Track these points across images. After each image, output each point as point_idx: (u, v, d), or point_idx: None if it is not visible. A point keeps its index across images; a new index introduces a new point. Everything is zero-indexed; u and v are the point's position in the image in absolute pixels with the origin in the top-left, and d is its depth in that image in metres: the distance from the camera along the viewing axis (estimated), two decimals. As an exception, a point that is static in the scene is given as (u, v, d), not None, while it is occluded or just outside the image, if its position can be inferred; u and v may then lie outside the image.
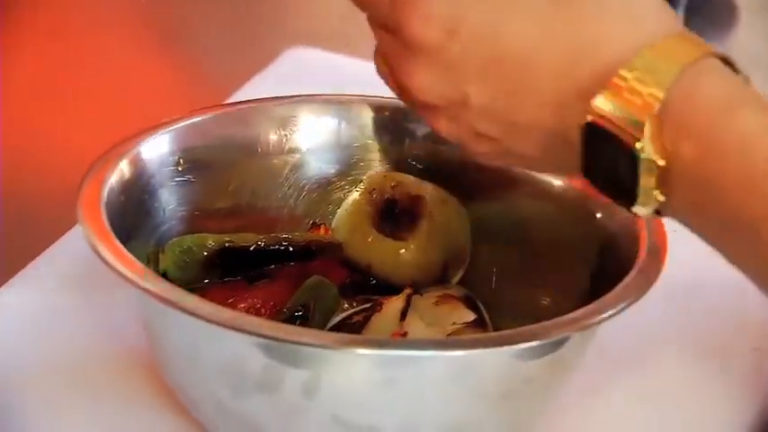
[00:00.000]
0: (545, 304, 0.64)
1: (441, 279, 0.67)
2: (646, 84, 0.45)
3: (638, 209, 0.47)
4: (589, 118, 0.46)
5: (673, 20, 0.48)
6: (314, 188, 0.69)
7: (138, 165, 0.63)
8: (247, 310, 0.64)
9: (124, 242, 0.54)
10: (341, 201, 0.69)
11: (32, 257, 0.75)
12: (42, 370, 0.65)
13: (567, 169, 0.51)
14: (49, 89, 1.02)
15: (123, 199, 0.60)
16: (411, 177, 0.67)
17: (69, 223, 0.72)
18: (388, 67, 0.53)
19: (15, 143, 0.94)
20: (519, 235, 0.66)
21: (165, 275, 0.62)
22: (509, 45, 0.48)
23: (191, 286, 0.61)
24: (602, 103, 0.46)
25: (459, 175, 0.67)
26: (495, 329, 0.64)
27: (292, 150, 0.68)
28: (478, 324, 0.64)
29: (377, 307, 0.63)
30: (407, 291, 0.63)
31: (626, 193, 0.47)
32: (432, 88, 0.50)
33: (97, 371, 0.64)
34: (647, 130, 0.44)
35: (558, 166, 0.53)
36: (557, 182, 0.65)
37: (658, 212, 0.47)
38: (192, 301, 0.50)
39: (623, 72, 0.45)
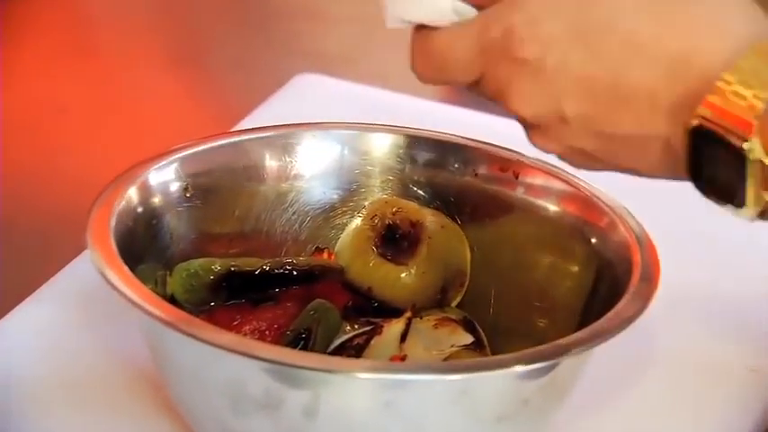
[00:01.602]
0: (541, 326, 0.65)
1: (440, 302, 0.68)
2: (750, 85, 0.45)
3: (745, 211, 0.47)
4: (695, 122, 0.47)
5: (765, 20, 0.49)
6: (317, 214, 0.70)
7: (146, 191, 0.64)
8: (252, 332, 0.65)
9: (133, 266, 0.56)
10: (344, 226, 0.70)
11: (46, 279, 0.77)
12: (53, 388, 0.67)
13: (670, 174, 0.52)
14: (64, 110, 1.03)
15: (132, 224, 0.62)
16: (412, 203, 0.68)
17: (82, 245, 0.73)
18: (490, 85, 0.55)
19: (31, 165, 0.95)
20: (516, 259, 0.67)
21: (172, 298, 0.64)
22: (604, 58, 0.50)
23: (197, 308, 0.63)
24: (708, 107, 0.46)
25: (459, 201, 0.69)
26: (493, 352, 0.65)
27: (297, 177, 0.70)
28: (476, 346, 0.64)
29: (377, 330, 0.64)
30: (407, 314, 0.64)
31: (733, 196, 0.47)
32: (530, 103, 0.52)
33: (105, 389, 0.66)
34: (755, 130, 0.45)
35: (662, 171, 0.53)
36: (553, 207, 0.66)
37: (764, 214, 0.47)
38: (196, 324, 0.52)
39: (727, 75, 0.46)
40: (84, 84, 1.06)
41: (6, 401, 0.66)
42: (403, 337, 0.63)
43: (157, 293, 0.59)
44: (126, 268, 0.55)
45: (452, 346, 0.65)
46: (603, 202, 0.63)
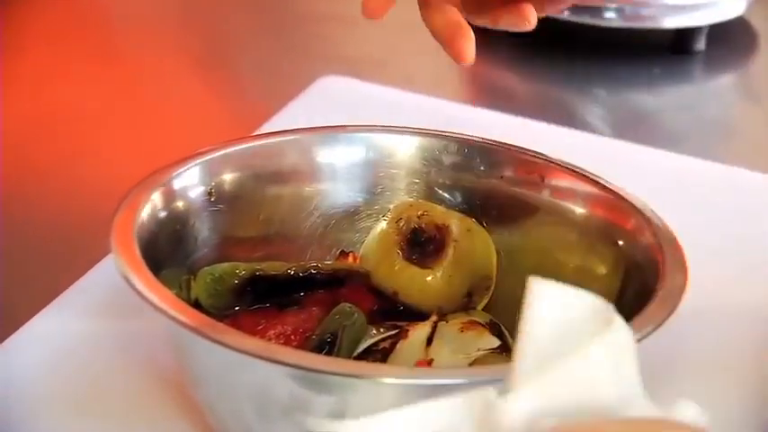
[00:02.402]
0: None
1: (465, 306, 0.68)
2: None
3: None
4: None
5: None
6: (342, 217, 0.70)
7: (170, 195, 0.64)
8: (277, 337, 0.65)
9: (157, 270, 0.56)
10: (368, 229, 0.70)
11: (67, 285, 0.77)
12: (76, 395, 0.66)
13: None
14: (84, 114, 1.03)
15: (155, 229, 0.62)
16: (438, 207, 0.68)
17: (105, 251, 0.73)
18: None
19: (52, 170, 0.95)
20: (542, 262, 0.67)
21: (196, 302, 0.64)
22: None
23: (222, 313, 0.64)
24: None
25: (485, 204, 0.68)
26: None
27: (321, 180, 0.70)
28: (503, 350, 0.64)
29: (403, 334, 0.64)
30: (433, 318, 0.64)
31: None
32: None
33: (129, 394, 0.65)
34: None
35: None
36: (579, 210, 0.65)
37: None
38: (221, 330, 0.51)
39: None
40: (106, 88, 1.06)
41: (25, 408, 0.66)
42: (429, 341, 0.63)
43: (182, 298, 0.59)
44: (150, 274, 0.54)
45: (479, 349, 0.64)
46: (631, 204, 0.63)
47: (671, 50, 1.06)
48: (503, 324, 0.66)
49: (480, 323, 0.66)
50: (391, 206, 0.70)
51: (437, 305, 0.66)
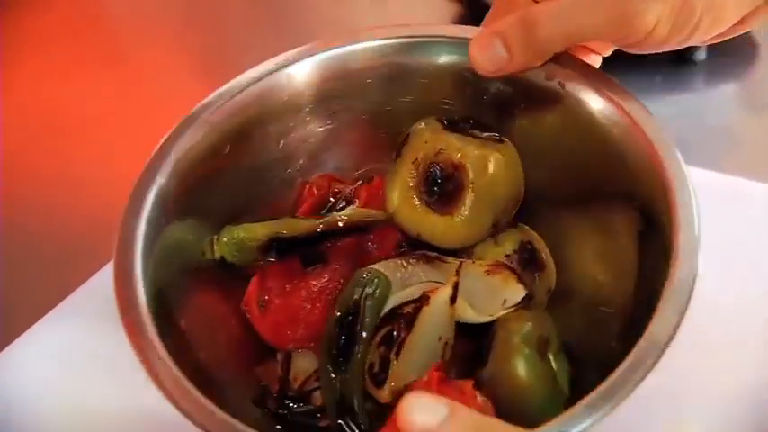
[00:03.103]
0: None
1: (493, 233, 0.67)
2: None
3: None
4: None
5: None
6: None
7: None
8: (303, 302, 0.65)
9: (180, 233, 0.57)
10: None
11: (73, 288, 0.76)
12: (76, 401, 0.67)
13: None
14: (88, 117, 1.03)
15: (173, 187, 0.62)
16: (453, 138, 0.65)
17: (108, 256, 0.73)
18: None
19: (54, 173, 0.94)
20: (565, 162, 0.65)
21: (222, 259, 0.64)
22: None
23: (249, 267, 0.65)
24: None
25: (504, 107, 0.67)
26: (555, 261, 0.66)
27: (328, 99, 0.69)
28: (527, 301, 0.63)
29: (425, 300, 0.62)
30: (454, 278, 0.62)
31: None
32: None
33: (128, 401, 0.65)
34: None
35: None
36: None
37: None
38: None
39: None
40: (107, 89, 1.06)
41: (26, 413, 0.66)
42: (453, 300, 0.62)
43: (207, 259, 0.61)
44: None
45: (504, 302, 0.63)
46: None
47: (672, 59, 1.07)
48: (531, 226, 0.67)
49: (506, 266, 0.65)
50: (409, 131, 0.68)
51: (461, 244, 0.65)
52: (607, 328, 0.60)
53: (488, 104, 0.67)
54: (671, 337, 0.51)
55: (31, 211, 0.91)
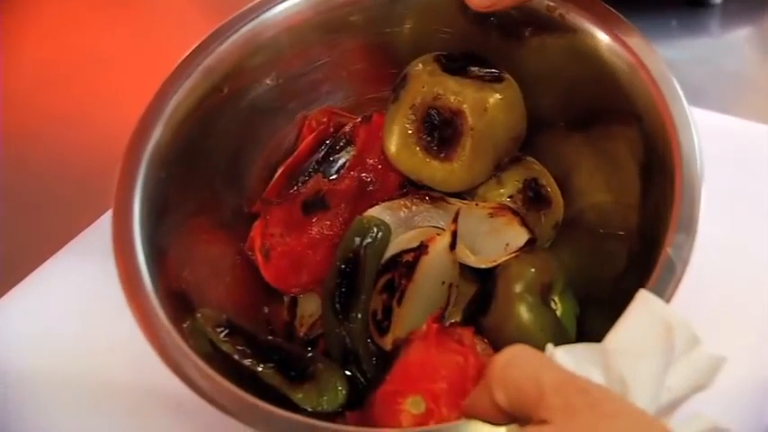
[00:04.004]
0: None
1: (495, 173, 0.66)
2: None
3: None
4: None
5: None
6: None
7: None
8: (303, 251, 0.65)
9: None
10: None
11: (81, 229, 0.77)
12: (74, 350, 0.68)
13: None
14: (102, 60, 1.02)
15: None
16: (451, 81, 0.64)
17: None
18: None
19: (68, 115, 0.95)
20: (571, 89, 0.65)
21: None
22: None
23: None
24: None
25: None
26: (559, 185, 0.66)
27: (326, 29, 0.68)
28: (531, 244, 0.63)
29: (423, 249, 0.61)
30: (452, 227, 0.62)
31: None
32: None
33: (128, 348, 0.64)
34: None
35: None
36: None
37: None
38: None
39: None
40: (120, 32, 1.06)
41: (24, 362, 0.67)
42: (452, 246, 0.62)
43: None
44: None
45: (507, 245, 0.63)
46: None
47: (688, 3, 1.06)
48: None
49: (510, 209, 0.64)
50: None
51: (464, 188, 0.65)
52: (613, 258, 0.60)
53: (489, 31, 0.66)
54: (682, 272, 0.51)
55: (43, 148, 0.91)
